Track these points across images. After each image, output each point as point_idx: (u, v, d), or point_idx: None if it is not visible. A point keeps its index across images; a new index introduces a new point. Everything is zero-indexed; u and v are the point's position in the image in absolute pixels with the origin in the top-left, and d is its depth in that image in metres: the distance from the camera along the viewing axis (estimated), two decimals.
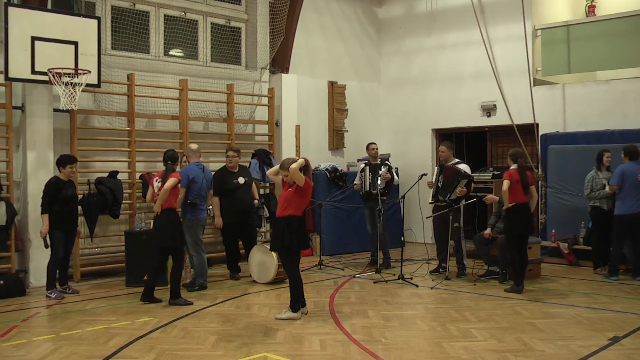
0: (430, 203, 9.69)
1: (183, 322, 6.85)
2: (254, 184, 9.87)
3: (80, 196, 8.83)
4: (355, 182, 10.51)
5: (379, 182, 9.90)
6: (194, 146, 8.95)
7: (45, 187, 8.12)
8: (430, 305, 7.66)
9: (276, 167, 7.23)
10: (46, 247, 8.11)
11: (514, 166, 8.40)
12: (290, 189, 6.96)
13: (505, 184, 8.24)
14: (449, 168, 9.34)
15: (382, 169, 10.01)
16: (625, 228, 8.98)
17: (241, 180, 9.39)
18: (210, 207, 9.15)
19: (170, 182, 7.71)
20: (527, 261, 8.51)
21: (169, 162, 7.95)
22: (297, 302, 7.00)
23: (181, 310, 7.36)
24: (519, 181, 8.27)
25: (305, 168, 6.92)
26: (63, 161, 8.22)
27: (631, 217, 8.90)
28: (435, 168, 9.89)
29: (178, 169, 8.28)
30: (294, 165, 6.77)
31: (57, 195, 8.06)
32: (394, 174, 10.23)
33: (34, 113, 8.78)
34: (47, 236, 8.07)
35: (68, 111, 8.89)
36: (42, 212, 8.08)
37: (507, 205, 8.27)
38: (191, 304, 7.68)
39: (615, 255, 9.13)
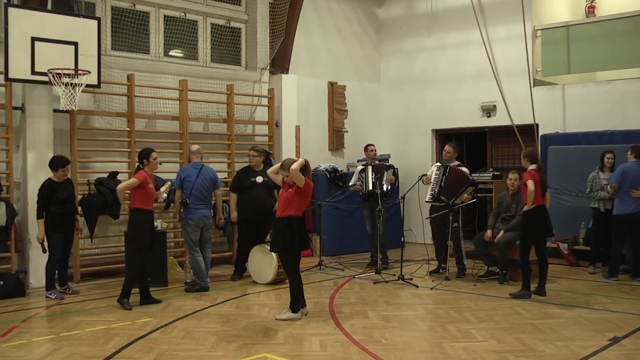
0: (427, 202, 9.64)
1: (183, 323, 6.85)
2: None
3: (80, 197, 8.83)
4: (351, 183, 10.50)
5: (383, 182, 9.91)
6: (194, 147, 8.97)
7: (39, 191, 8.09)
8: (430, 306, 7.66)
9: (276, 166, 7.24)
10: (44, 252, 8.11)
11: (532, 167, 8.04)
12: (290, 190, 6.95)
13: (531, 184, 7.82)
14: (455, 170, 9.29)
15: (388, 171, 10.03)
16: (625, 228, 8.97)
17: (259, 179, 9.30)
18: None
19: (127, 182, 7.67)
20: (547, 263, 8.26)
21: (138, 163, 7.88)
22: (297, 303, 7.00)
23: (181, 311, 7.36)
24: (539, 182, 7.96)
25: (305, 169, 6.92)
26: (55, 164, 8.16)
27: (630, 217, 8.89)
28: (434, 166, 9.85)
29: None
30: (294, 166, 6.76)
31: (51, 198, 8.04)
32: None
33: (34, 113, 8.78)
34: (45, 241, 8.07)
35: (68, 112, 8.89)
36: (37, 217, 8.06)
37: (529, 207, 7.92)
38: (130, 309, 7.44)
39: (615, 256, 9.12)
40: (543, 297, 7.95)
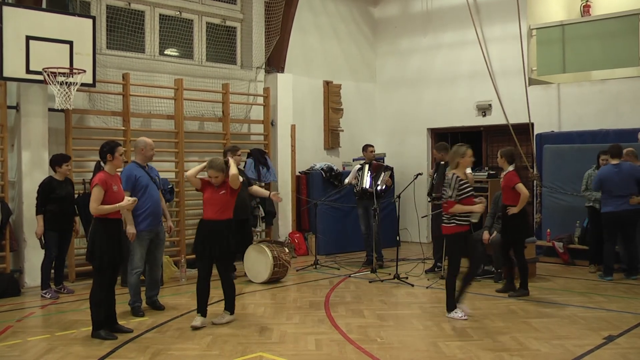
0: (429, 201, 9.84)
1: (178, 322, 6.83)
2: (256, 184, 9.82)
3: (75, 196, 8.80)
4: (346, 180, 10.49)
5: (378, 182, 9.93)
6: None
7: (39, 188, 8.11)
8: (425, 305, 7.66)
9: (196, 168, 6.76)
10: (42, 247, 8.11)
11: (510, 168, 8.07)
12: (224, 192, 6.59)
13: (522, 186, 7.83)
14: (443, 167, 9.38)
15: (385, 172, 10.07)
16: (613, 226, 9.00)
17: (240, 178, 9.25)
18: None
19: (93, 197, 6.09)
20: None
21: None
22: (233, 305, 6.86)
23: (176, 310, 7.34)
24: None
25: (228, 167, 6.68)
26: (58, 160, 8.19)
27: (616, 215, 8.90)
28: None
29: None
30: (234, 171, 6.53)
31: (49, 196, 8.04)
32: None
33: (29, 113, 8.75)
34: (43, 236, 8.06)
35: (63, 111, 8.86)
36: (37, 213, 8.08)
37: (520, 208, 7.90)
38: (114, 338, 6.14)
39: (609, 255, 9.13)
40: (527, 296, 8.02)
